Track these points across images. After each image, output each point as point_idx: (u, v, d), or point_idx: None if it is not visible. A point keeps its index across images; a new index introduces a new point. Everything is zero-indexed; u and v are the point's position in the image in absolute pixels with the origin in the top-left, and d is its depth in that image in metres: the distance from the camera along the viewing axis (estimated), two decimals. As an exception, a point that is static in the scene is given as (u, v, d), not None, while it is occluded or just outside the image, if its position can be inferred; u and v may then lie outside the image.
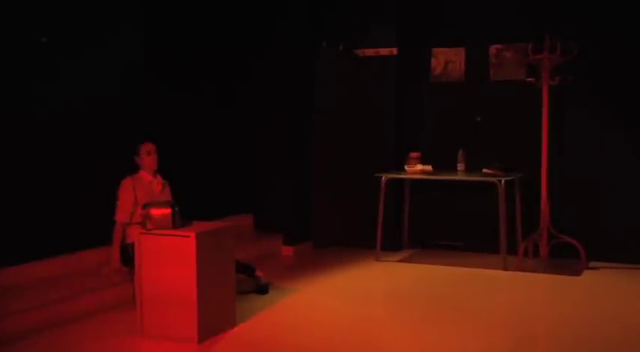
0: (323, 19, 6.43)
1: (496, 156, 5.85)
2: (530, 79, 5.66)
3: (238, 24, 6.22)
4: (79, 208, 4.56)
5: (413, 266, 5.73)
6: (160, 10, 5.31)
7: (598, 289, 4.99)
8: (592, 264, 5.56)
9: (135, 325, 3.85)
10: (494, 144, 6.07)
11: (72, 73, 4.57)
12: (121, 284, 4.37)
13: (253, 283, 4.68)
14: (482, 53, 6.14)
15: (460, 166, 5.98)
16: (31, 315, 3.82)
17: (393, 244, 6.19)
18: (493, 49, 6.11)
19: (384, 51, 6.32)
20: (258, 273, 4.72)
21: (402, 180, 6.24)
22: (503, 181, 5.49)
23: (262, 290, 4.67)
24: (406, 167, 6.00)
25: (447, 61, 6.30)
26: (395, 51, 6.28)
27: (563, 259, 5.62)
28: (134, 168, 4.54)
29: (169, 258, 3.73)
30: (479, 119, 6.18)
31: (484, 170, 5.75)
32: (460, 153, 5.98)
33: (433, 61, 6.36)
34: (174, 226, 3.77)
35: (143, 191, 4.45)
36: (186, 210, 3.95)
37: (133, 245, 4.05)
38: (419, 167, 5.96)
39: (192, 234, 3.67)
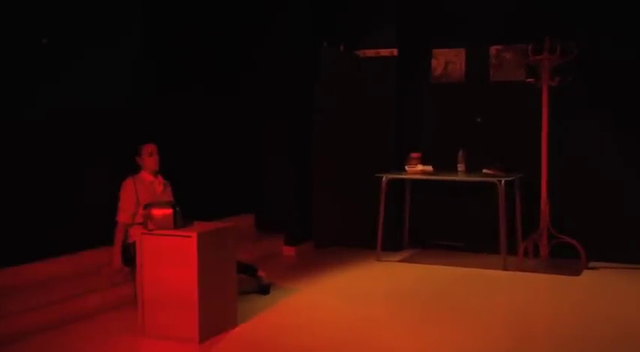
0: (324, 19, 6.45)
1: (496, 157, 5.87)
2: (530, 80, 5.67)
3: (239, 24, 6.24)
4: (80, 208, 4.57)
5: (413, 267, 5.74)
6: (161, 11, 5.33)
7: (597, 289, 5.00)
8: (592, 264, 5.58)
9: (136, 325, 3.87)
10: (494, 145, 6.08)
11: (72, 73, 4.57)
12: (123, 284, 4.39)
13: (255, 283, 4.70)
14: (482, 54, 6.16)
15: (460, 166, 5.99)
16: (32, 315, 3.84)
17: (393, 244, 6.21)
18: (493, 49, 6.13)
19: (384, 51, 6.34)
20: (260, 273, 4.74)
21: (403, 180, 6.26)
22: (503, 181, 5.50)
23: (264, 290, 4.69)
24: (407, 167, 6.02)
25: (448, 61, 6.32)
26: (395, 52, 6.30)
27: (563, 259, 5.63)
28: (135, 169, 4.56)
29: (171, 258, 3.75)
30: (479, 119, 6.20)
31: (484, 170, 5.77)
32: (460, 153, 6.00)
33: (433, 62, 6.38)
34: (176, 226, 3.79)
35: (144, 191, 4.46)
36: (188, 210, 3.97)
37: (134, 245, 4.07)
38: (419, 167, 5.98)
39: (194, 235, 3.68)
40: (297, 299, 4.66)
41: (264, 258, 5.88)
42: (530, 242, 5.72)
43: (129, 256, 4.30)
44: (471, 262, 5.78)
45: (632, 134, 5.69)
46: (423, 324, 4.10)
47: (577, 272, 5.38)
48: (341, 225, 6.46)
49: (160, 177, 4.62)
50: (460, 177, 5.87)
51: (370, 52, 6.40)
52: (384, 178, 5.89)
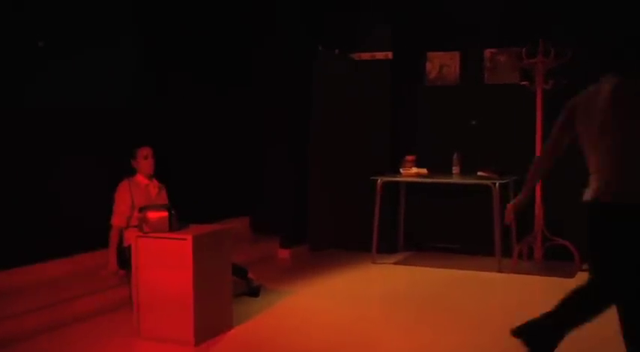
0: (319, 23, 6.48)
1: (491, 159, 5.89)
2: (524, 83, 5.70)
3: (235, 28, 6.25)
4: (77, 211, 4.58)
5: (408, 269, 5.76)
6: (157, 13, 5.34)
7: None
8: (586, 266, 5.60)
9: (132, 327, 3.88)
10: (488, 148, 6.11)
11: (68, 76, 4.59)
12: (118, 286, 4.39)
13: (245, 285, 4.71)
14: (476, 57, 6.19)
15: (455, 169, 6.02)
16: (28, 318, 3.84)
17: (388, 247, 6.23)
18: (487, 52, 6.16)
19: (379, 55, 6.37)
20: (250, 276, 4.74)
21: (398, 183, 6.28)
22: (497, 184, 5.53)
23: (254, 292, 4.69)
24: (401, 170, 6.04)
25: (442, 64, 6.35)
26: (390, 55, 6.33)
27: (557, 261, 5.66)
28: (131, 172, 4.56)
29: (166, 260, 3.75)
30: (474, 122, 6.23)
31: (479, 173, 5.80)
32: (455, 156, 6.02)
33: (428, 65, 6.40)
34: (171, 229, 3.79)
35: (139, 194, 4.47)
36: (183, 212, 3.97)
37: (129, 248, 4.07)
38: (414, 170, 6.00)
39: (189, 237, 3.69)
40: (292, 302, 4.67)
41: (260, 260, 5.89)
42: (525, 244, 5.74)
43: (124, 259, 4.30)
44: (466, 264, 5.80)
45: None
46: (419, 326, 4.12)
47: (571, 275, 5.41)
48: (336, 228, 6.48)
49: (154, 181, 4.62)
50: (455, 179, 5.90)
51: (365, 56, 6.43)
52: (379, 181, 5.91)
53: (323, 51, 6.30)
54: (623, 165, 2.93)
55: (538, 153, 5.66)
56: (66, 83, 4.56)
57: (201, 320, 3.75)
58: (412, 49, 6.41)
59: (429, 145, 6.34)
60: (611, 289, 3.03)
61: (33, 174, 4.36)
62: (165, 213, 3.79)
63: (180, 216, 3.90)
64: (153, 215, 3.79)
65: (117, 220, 4.41)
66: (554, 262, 5.67)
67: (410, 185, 6.33)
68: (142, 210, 3.86)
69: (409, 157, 6.10)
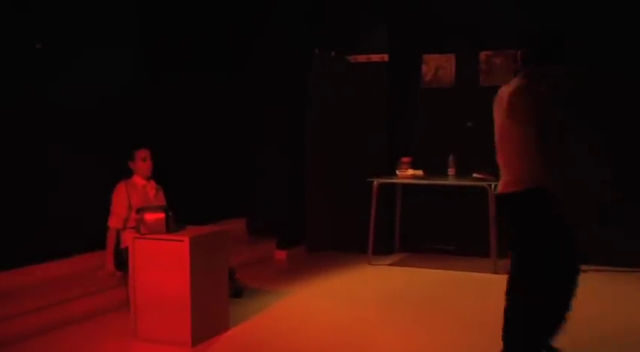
0: (316, 25, 6.50)
1: (486, 161, 5.91)
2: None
3: (232, 29, 6.27)
4: (74, 212, 4.59)
5: (404, 270, 5.78)
6: (155, 18, 5.36)
7: (585, 291, 5.04)
8: (582, 267, 5.62)
9: (129, 328, 3.88)
10: (484, 149, 6.11)
11: (67, 76, 4.59)
12: (115, 288, 4.40)
13: (231, 286, 4.68)
14: (472, 59, 6.22)
15: (451, 171, 6.04)
16: (25, 319, 3.84)
17: (384, 248, 6.25)
18: (483, 55, 6.19)
19: (375, 57, 6.39)
20: (237, 276, 4.72)
21: (394, 184, 6.30)
22: (493, 186, 5.54)
23: (237, 293, 4.64)
24: (397, 172, 6.06)
25: (438, 66, 6.38)
26: (386, 57, 6.35)
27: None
28: (128, 173, 4.57)
29: (163, 262, 3.77)
30: (469, 124, 6.26)
31: (474, 175, 5.82)
32: (451, 157, 6.04)
33: (424, 67, 6.43)
34: (168, 231, 3.81)
35: (137, 195, 4.48)
36: (180, 214, 3.99)
37: (126, 250, 4.08)
38: (410, 172, 6.02)
39: (186, 239, 3.70)
40: (289, 303, 4.69)
41: (257, 261, 5.91)
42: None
43: (121, 261, 4.31)
44: (462, 265, 5.82)
45: (619, 138, 5.76)
46: (415, 327, 4.14)
47: (566, 276, 5.44)
48: (333, 229, 6.50)
49: (152, 182, 4.63)
50: (450, 181, 5.92)
51: (361, 58, 6.45)
52: (375, 182, 5.93)
53: (319, 53, 6.33)
54: (501, 162, 3.39)
55: (533, 154, 5.70)
56: (65, 83, 4.57)
57: (198, 322, 3.76)
58: (408, 51, 6.43)
59: (424, 147, 6.36)
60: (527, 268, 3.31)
61: (31, 175, 4.37)
62: (162, 215, 3.80)
63: (178, 218, 3.91)
64: (150, 216, 3.80)
65: (114, 221, 4.42)
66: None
67: (406, 186, 6.35)
68: (139, 211, 3.87)
69: (405, 159, 6.12)
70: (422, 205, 6.40)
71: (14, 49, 4.25)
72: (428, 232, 6.41)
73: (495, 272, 5.50)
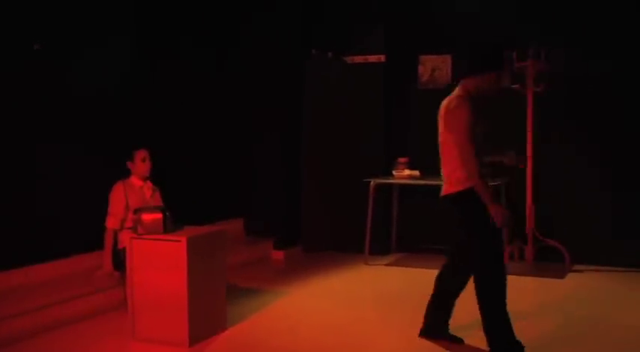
0: (312, 27, 6.51)
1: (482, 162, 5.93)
2: (515, 86, 5.76)
3: (229, 30, 6.28)
4: (72, 213, 4.60)
5: (401, 270, 5.80)
6: (154, 15, 5.37)
7: (581, 291, 5.09)
8: (577, 266, 5.67)
9: (126, 328, 3.90)
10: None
11: (66, 76, 4.61)
12: (113, 288, 4.41)
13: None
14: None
15: (447, 171, 6.05)
16: (22, 319, 3.85)
17: (381, 248, 6.27)
18: (479, 56, 6.20)
19: (372, 58, 6.41)
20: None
21: (391, 184, 6.32)
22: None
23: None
24: (394, 172, 6.08)
25: (434, 67, 6.40)
26: (383, 58, 6.37)
27: (549, 263, 5.72)
28: (126, 173, 4.58)
29: (160, 262, 3.78)
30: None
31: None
32: (447, 158, 6.06)
33: (420, 68, 6.46)
34: (166, 231, 3.82)
35: (134, 196, 4.49)
36: (178, 214, 4.00)
37: (124, 250, 4.09)
38: (406, 172, 6.04)
39: (183, 239, 3.72)
40: (286, 303, 4.70)
41: (254, 261, 5.92)
42: (516, 246, 5.80)
43: (119, 261, 4.32)
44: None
45: (615, 139, 5.79)
46: (412, 326, 4.14)
47: (561, 275, 5.47)
48: (329, 229, 6.52)
49: (148, 182, 4.64)
50: (447, 181, 5.93)
51: (358, 59, 6.47)
52: (371, 183, 5.95)
53: (317, 54, 6.34)
54: (442, 166, 3.74)
55: (529, 155, 5.73)
56: (64, 83, 4.58)
57: (196, 322, 3.78)
58: (405, 52, 6.45)
59: (421, 147, 6.36)
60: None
61: (27, 175, 4.38)
62: (159, 215, 3.82)
63: (175, 218, 3.93)
64: (147, 217, 3.81)
65: (111, 222, 4.43)
66: (545, 263, 5.73)
67: (402, 187, 6.37)
68: (136, 212, 3.88)
69: (402, 159, 6.14)
70: (418, 205, 6.41)
71: (12, 48, 4.26)
72: (424, 232, 6.42)
73: (491, 272, 5.52)
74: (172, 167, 5.33)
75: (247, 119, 6.43)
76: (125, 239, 4.15)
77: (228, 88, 6.30)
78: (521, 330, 4.16)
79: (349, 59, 6.50)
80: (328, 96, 6.43)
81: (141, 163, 4.52)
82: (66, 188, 4.60)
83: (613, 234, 5.74)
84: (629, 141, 5.75)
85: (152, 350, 3.74)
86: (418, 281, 5.40)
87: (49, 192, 4.49)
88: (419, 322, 3.94)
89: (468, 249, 3.67)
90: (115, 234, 4.44)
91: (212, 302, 3.95)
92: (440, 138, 3.68)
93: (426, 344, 3.84)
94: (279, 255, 6.30)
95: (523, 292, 5.19)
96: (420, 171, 6.04)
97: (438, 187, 6.12)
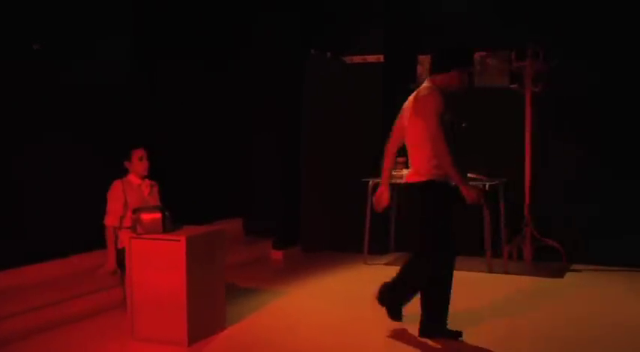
0: (311, 27, 6.52)
1: (480, 161, 5.95)
2: (513, 86, 5.77)
3: (228, 30, 6.29)
4: (71, 212, 4.60)
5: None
6: (153, 15, 5.38)
7: (579, 290, 5.10)
8: (576, 266, 5.68)
9: (125, 328, 3.90)
10: (478, 150, 6.16)
11: (64, 75, 4.61)
12: (112, 287, 4.42)
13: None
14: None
15: (445, 171, 6.06)
16: (22, 319, 3.87)
17: (380, 248, 6.28)
18: (477, 55, 6.21)
19: (371, 58, 6.42)
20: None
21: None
22: (487, 186, 5.59)
23: None
24: (393, 172, 6.07)
25: (433, 67, 6.40)
26: (382, 58, 6.38)
27: (547, 262, 5.74)
28: (124, 172, 4.58)
29: (159, 262, 3.78)
30: (463, 124, 6.27)
31: (468, 175, 5.84)
32: (445, 158, 6.06)
33: (419, 68, 6.46)
34: (165, 230, 3.83)
35: (132, 194, 4.49)
36: (177, 214, 4.01)
37: (124, 250, 4.09)
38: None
39: (182, 239, 3.72)
40: (285, 302, 4.71)
41: (253, 261, 5.93)
42: (514, 245, 5.81)
43: (119, 260, 4.32)
44: (456, 265, 5.79)
45: (612, 140, 5.80)
46: (410, 327, 4.16)
47: (559, 275, 5.48)
48: (328, 229, 6.52)
49: (146, 181, 4.64)
50: (445, 181, 5.94)
51: (357, 58, 6.48)
52: (370, 182, 5.96)
53: (316, 54, 6.35)
54: (409, 155, 3.95)
55: (527, 154, 5.74)
56: (63, 83, 4.58)
57: (195, 321, 3.78)
58: (404, 52, 6.46)
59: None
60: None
61: (27, 175, 4.38)
62: (158, 215, 3.82)
63: (174, 218, 3.93)
64: (146, 216, 3.82)
65: (110, 220, 4.41)
66: (543, 263, 5.74)
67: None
68: (135, 211, 3.89)
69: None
70: (417, 205, 6.41)
71: (12, 48, 4.27)
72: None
73: (490, 272, 5.54)
74: (171, 166, 5.33)
75: (246, 119, 6.44)
76: (124, 238, 4.15)
77: (228, 87, 6.31)
78: (519, 330, 4.18)
79: (348, 59, 6.51)
80: (327, 96, 6.44)
81: (138, 162, 4.52)
82: (66, 188, 4.61)
83: (611, 233, 5.75)
84: (627, 141, 5.77)
85: (151, 349, 3.74)
86: (417, 280, 5.41)
87: (48, 192, 4.50)
88: (417, 321, 3.95)
89: (420, 235, 3.81)
90: (116, 231, 4.44)
91: (211, 301, 3.96)
92: (407, 130, 3.83)
93: (425, 344, 3.84)
94: (278, 254, 6.31)
95: (521, 292, 5.20)
96: (418, 171, 6.04)
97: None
